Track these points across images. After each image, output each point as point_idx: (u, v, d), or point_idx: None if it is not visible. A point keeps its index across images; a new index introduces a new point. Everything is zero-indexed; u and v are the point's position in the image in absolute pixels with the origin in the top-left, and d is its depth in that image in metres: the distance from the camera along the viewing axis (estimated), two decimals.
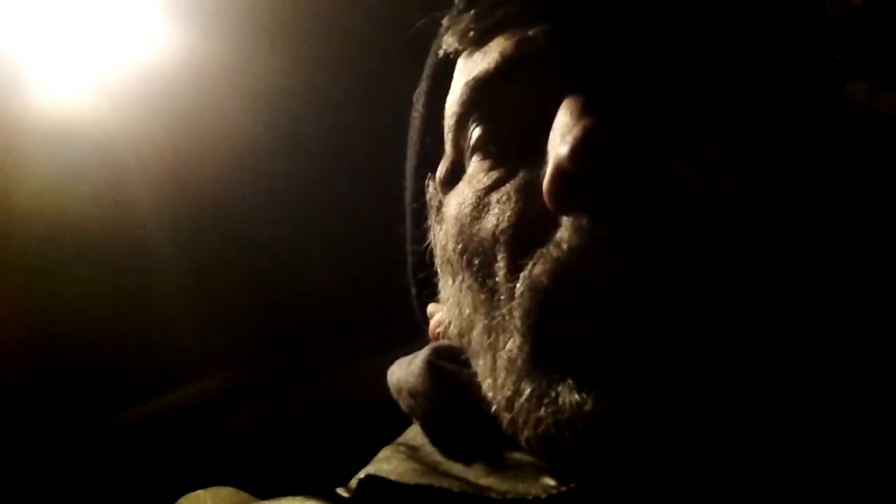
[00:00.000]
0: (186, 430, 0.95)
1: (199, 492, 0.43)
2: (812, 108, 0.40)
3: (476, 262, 0.37)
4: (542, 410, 0.32)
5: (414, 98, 0.48)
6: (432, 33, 0.46)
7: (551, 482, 0.33)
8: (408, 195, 0.49)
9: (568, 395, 0.31)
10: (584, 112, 0.33)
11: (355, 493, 0.37)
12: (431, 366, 0.40)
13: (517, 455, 0.35)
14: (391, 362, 0.45)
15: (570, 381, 0.31)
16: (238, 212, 0.95)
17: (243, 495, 0.44)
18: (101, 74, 0.86)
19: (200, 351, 0.97)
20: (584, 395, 0.30)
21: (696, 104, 0.35)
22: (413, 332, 0.51)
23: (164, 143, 0.92)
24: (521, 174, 0.36)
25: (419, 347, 0.43)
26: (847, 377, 0.33)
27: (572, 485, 0.32)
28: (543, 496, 0.32)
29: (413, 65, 0.48)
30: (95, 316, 0.96)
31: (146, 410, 0.97)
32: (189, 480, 0.46)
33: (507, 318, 0.34)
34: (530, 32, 0.37)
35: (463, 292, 0.38)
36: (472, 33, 0.40)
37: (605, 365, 0.31)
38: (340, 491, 0.40)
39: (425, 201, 0.46)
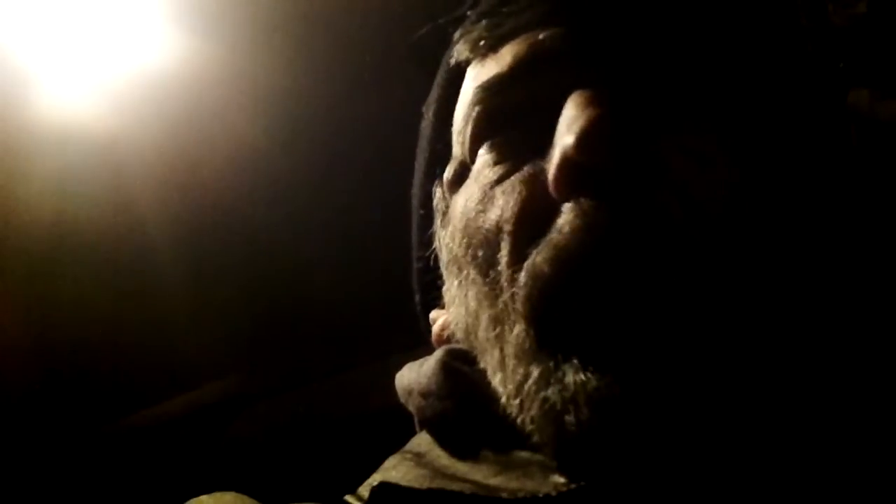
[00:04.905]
0: (188, 436, 0.95)
1: (203, 497, 0.43)
2: (815, 114, 0.41)
3: (480, 253, 0.37)
4: (549, 390, 0.32)
5: (424, 107, 0.49)
6: (431, 37, 0.46)
7: (560, 480, 0.33)
8: (415, 202, 0.50)
9: (573, 375, 0.32)
10: (590, 105, 0.34)
11: (368, 500, 0.37)
12: (445, 366, 0.41)
13: (526, 454, 0.35)
14: (394, 368, 0.45)
15: (574, 361, 0.32)
16: (239, 215, 0.95)
17: (248, 500, 0.43)
18: (102, 77, 0.86)
19: (202, 356, 0.97)
20: (589, 374, 0.31)
21: (696, 103, 0.36)
22: (415, 339, 0.51)
23: (165, 146, 0.92)
24: (526, 167, 0.37)
25: (420, 354, 0.44)
26: (845, 373, 0.34)
27: (581, 482, 0.32)
28: (553, 494, 0.32)
29: (412, 67, 0.49)
30: (96, 320, 0.95)
31: (147, 416, 0.97)
32: (191, 486, 0.46)
33: (510, 305, 0.35)
34: (541, 36, 0.38)
35: (468, 287, 0.39)
36: (483, 42, 0.40)
37: (608, 345, 0.31)
38: (350, 499, 0.40)
39: (432, 207, 0.46)
